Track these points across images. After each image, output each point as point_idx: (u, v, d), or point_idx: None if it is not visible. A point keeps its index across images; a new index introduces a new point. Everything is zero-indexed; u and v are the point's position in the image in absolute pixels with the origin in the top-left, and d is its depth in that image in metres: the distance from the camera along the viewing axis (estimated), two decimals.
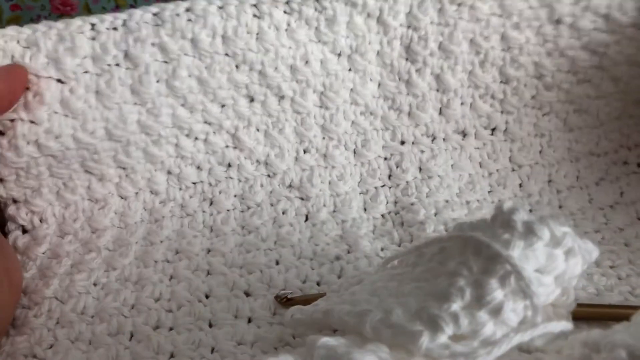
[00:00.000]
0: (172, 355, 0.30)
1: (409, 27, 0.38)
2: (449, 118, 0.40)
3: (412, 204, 0.39)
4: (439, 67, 0.39)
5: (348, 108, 0.40)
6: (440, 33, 0.38)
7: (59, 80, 0.36)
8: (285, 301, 0.32)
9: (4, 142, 0.35)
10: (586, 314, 0.28)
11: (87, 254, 0.36)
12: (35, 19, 0.60)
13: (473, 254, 0.23)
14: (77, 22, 0.36)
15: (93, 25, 0.36)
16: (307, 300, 0.30)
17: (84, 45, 0.36)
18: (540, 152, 0.40)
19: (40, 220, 0.37)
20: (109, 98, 0.36)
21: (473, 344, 0.21)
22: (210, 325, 0.31)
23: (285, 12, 0.37)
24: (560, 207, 0.38)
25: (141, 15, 0.36)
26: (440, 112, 0.40)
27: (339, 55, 0.39)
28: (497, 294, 0.22)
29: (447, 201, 0.39)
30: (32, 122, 0.36)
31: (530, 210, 0.38)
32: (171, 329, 0.31)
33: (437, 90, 0.40)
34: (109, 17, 0.36)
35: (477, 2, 0.38)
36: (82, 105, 0.36)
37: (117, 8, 0.58)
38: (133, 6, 0.58)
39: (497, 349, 0.21)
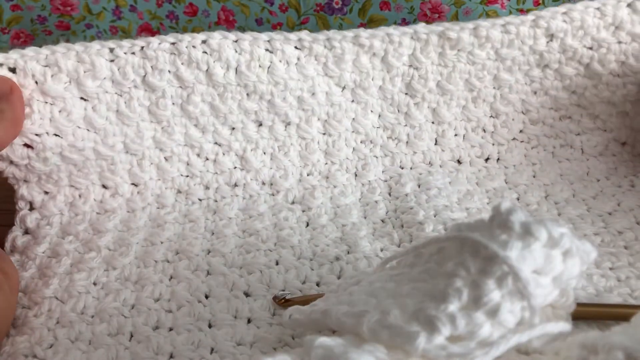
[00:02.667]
0: (171, 356, 0.30)
1: (410, 66, 0.41)
2: (444, 147, 0.43)
3: (411, 208, 0.39)
4: (435, 102, 0.42)
5: (349, 136, 0.42)
6: (440, 73, 0.41)
7: (82, 98, 0.38)
8: (283, 302, 0.32)
9: (32, 154, 0.37)
10: (586, 314, 0.28)
11: (87, 253, 0.36)
12: (36, 19, 0.60)
13: (471, 255, 0.23)
14: (95, 45, 0.37)
15: (112, 49, 0.38)
16: (305, 301, 0.30)
17: (104, 68, 0.37)
18: (534, 176, 0.43)
19: (46, 224, 0.38)
20: (128, 116, 0.39)
21: (470, 344, 0.21)
22: (210, 326, 0.31)
23: (296, 47, 0.39)
24: (559, 214, 0.39)
25: (159, 44, 0.38)
26: (436, 142, 0.43)
27: (343, 88, 0.41)
28: (495, 295, 0.22)
29: (446, 206, 0.39)
30: (57, 135, 0.37)
31: None
32: (171, 329, 0.31)
33: (433, 122, 0.43)
34: (126, 43, 0.38)
35: (476, 49, 0.40)
36: (103, 122, 0.38)
37: (117, 8, 0.58)
38: (133, 7, 0.58)
39: (495, 350, 0.21)
